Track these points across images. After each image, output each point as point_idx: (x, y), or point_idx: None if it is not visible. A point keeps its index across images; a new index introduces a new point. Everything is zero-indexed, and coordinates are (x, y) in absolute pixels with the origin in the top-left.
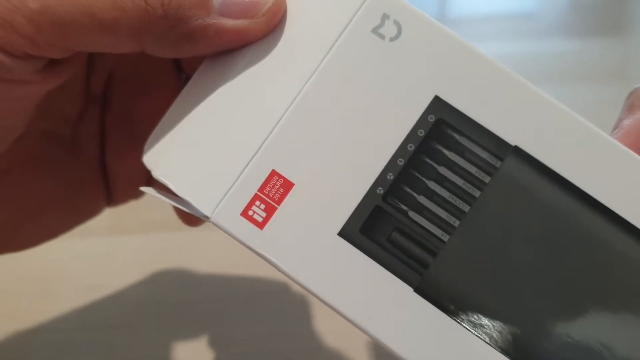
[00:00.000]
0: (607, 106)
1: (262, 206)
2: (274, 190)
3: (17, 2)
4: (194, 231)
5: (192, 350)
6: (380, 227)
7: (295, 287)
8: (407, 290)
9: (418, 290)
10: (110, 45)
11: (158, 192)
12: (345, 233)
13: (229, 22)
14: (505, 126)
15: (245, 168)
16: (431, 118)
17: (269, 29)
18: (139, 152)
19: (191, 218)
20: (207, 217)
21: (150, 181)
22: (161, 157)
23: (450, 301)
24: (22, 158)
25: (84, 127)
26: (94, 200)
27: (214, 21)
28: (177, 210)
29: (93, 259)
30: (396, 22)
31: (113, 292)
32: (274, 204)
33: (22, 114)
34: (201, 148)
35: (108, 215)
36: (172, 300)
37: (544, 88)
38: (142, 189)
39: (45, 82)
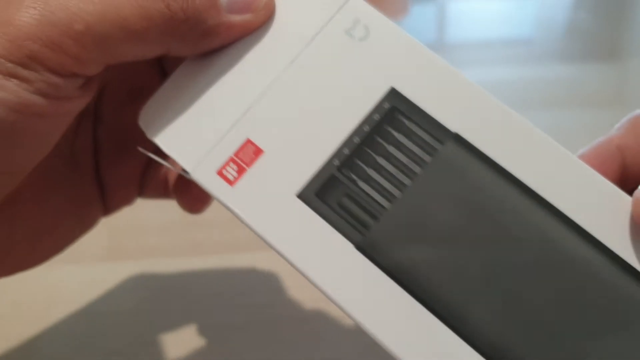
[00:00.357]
0: (603, 131)
1: (235, 167)
2: (246, 156)
3: (63, 25)
4: (191, 256)
5: None
6: (333, 193)
7: (296, 318)
8: (350, 247)
9: (359, 248)
10: (141, 53)
11: (154, 156)
12: (303, 195)
13: (237, 18)
14: (449, 116)
15: (225, 135)
16: (386, 105)
17: (267, 19)
18: (130, 159)
19: (191, 204)
20: (187, 173)
21: (142, 187)
22: (154, 121)
23: (386, 260)
24: (33, 175)
25: (80, 141)
26: (93, 210)
27: (225, 19)
28: (179, 197)
29: (89, 284)
30: (365, 26)
31: (110, 318)
32: (244, 166)
33: (60, 132)
34: (189, 116)
35: (104, 240)
36: (169, 326)
37: (541, 113)
38: (140, 149)
39: (84, 97)
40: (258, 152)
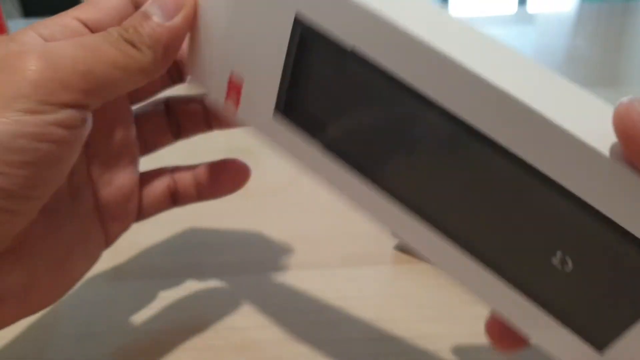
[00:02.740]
0: None
1: (234, 94)
2: (235, 84)
3: (70, 68)
4: (191, 278)
5: None
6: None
7: (296, 339)
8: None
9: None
10: (130, 83)
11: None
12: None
13: (172, 23)
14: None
15: (224, 72)
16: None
17: (193, 19)
18: (125, 186)
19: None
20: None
21: (140, 208)
22: (192, 67)
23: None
24: (42, 212)
25: (77, 174)
26: (96, 242)
27: (162, 26)
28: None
29: (91, 305)
30: None
31: (112, 339)
32: (237, 92)
33: (75, 155)
34: (210, 63)
35: (107, 260)
36: (173, 347)
37: None
38: (189, 81)
39: (89, 127)
40: (240, 81)
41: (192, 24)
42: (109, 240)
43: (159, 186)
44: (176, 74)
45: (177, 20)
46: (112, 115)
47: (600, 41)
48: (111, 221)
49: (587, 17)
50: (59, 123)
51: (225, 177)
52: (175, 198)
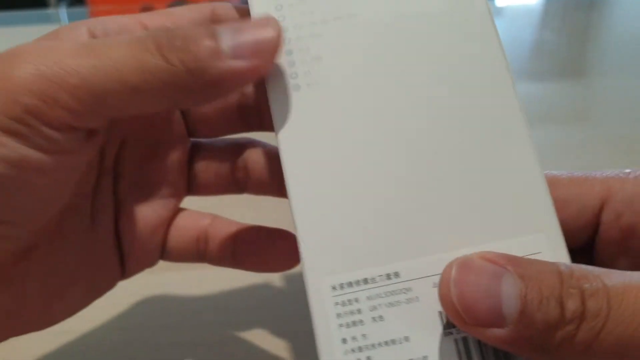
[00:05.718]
0: (570, 147)
1: None
2: None
3: (58, 79)
4: (171, 271)
5: None
6: None
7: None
8: None
9: None
10: (145, 107)
11: None
12: None
13: (240, 63)
14: None
15: None
16: None
17: (271, 62)
18: (152, 217)
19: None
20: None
21: (164, 249)
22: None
23: None
24: (49, 233)
25: (99, 199)
26: (111, 274)
27: (228, 65)
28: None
29: None
30: None
31: (83, 337)
32: None
33: (67, 185)
34: None
35: None
36: (147, 343)
37: None
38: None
39: (87, 150)
40: None
41: (264, 74)
42: (127, 273)
43: (186, 233)
44: (255, 119)
45: (245, 63)
46: (158, 136)
47: (567, 33)
48: (130, 254)
49: (554, 10)
50: (38, 147)
51: (276, 251)
52: (202, 254)
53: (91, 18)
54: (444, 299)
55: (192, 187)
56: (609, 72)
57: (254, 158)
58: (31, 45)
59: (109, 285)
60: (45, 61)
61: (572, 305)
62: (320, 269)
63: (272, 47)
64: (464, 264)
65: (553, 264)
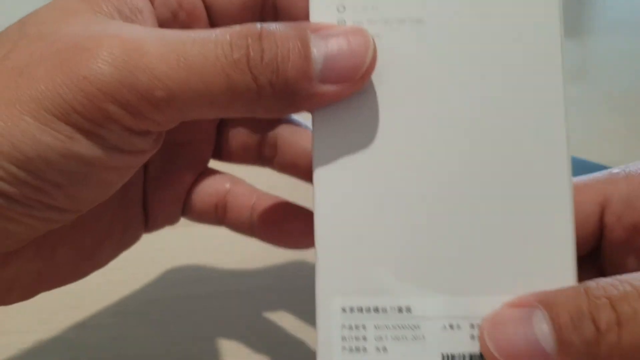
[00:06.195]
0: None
1: None
2: None
3: (145, 91)
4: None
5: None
6: None
7: (297, 286)
8: None
9: None
10: (221, 116)
11: None
12: None
13: (330, 88)
14: None
15: None
16: None
17: (360, 88)
18: (177, 182)
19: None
20: None
21: (185, 210)
22: None
23: None
24: None
25: None
26: (136, 230)
27: (316, 90)
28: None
29: None
30: None
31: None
32: None
33: (128, 177)
34: None
35: None
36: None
37: None
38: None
39: (154, 149)
40: None
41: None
42: (149, 229)
43: (206, 199)
44: None
45: (335, 89)
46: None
47: None
48: (153, 214)
49: None
50: (113, 148)
51: (295, 227)
52: (220, 220)
53: None
54: (487, 355)
55: (218, 152)
56: (605, 31)
57: (285, 135)
58: (106, 31)
59: (134, 240)
60: (130, 65)
61: (604, 316)
62: (333, 288)
63: (365, 75)
64: (494, 321)
65: (578, 285)
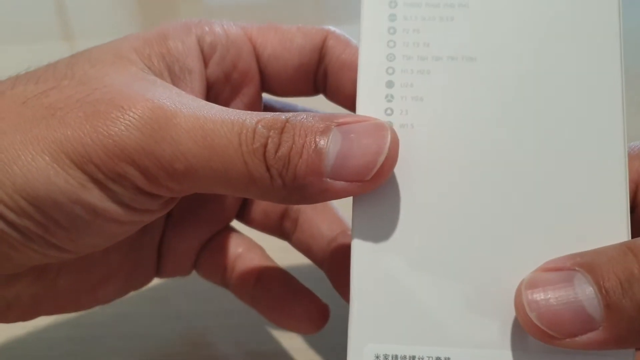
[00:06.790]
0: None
1: None
2: None
3: (165, 161)
4: None
5: None
6: None
7: None
8: None
9: None
10: (237, 196)
11: None
12: None
13: (339, 185)
14: None
15: None
16: None
17: (376, 187)
18: (194, 233)
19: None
20: None
21: (197, 263)
22: None
23: None
24: None
25: None
26: (146, 273)
27: (327, 186)
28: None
29: None
30: None
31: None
32: None
33: (132, 232)
34: None
35: None
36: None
37: None
38: None
39: (164, 210)
40: None
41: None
42: (160, 275)
43: (217, 260)
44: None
45: (345, 186)
46: None
47: None
48: (166, 265)
49: None
50: (123, 204)
51: (298, 310)
52: (227, 283)
53: (202, 20)
54: (526, 325)
55: (241, 214)
56: None
57: (307, 212)
58: (145, 93)
59: (143, 283)
60: (157, 134)
61: None
62: (367, 334)
63: (378, 175)
64: (530, 284)
65: (619, 244)
